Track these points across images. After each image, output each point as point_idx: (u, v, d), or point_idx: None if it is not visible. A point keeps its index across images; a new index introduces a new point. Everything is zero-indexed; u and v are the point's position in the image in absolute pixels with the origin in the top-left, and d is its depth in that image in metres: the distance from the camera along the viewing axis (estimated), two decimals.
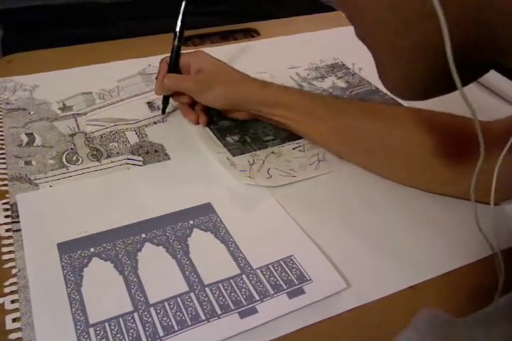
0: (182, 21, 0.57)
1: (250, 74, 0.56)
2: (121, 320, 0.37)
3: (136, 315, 0.37)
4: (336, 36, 0.81)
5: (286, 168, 0.52)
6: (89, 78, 0.66)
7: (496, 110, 0.63)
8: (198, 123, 0.58)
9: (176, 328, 0.36)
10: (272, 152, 0.54)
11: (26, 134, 0.55)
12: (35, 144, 0.54)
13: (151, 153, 0.54)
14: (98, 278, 0.40)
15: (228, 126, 0.58)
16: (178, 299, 0.38)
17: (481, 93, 0.67)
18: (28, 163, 0.51)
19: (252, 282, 0.40)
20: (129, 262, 0.41)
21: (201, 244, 0.43)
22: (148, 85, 0.66)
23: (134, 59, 0.71)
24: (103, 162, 0.52)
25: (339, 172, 0.52)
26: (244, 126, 0.58)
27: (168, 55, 0.57)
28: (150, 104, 0.62)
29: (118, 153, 0.53)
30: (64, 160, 0.52)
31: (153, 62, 0.70)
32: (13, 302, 0.38)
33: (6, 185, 0.48)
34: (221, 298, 0.38)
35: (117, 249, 0.42)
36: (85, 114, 0.59)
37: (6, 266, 0.40)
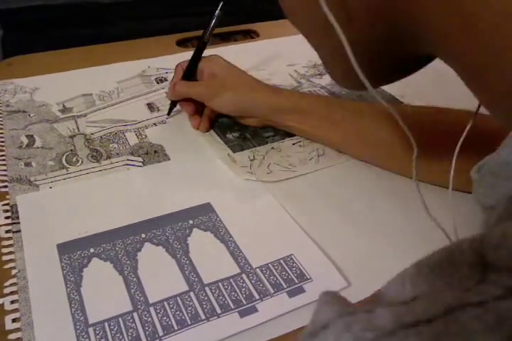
0: (209, 30, 0.56)
1: (248, 71, 0.56)
2: (120, 319, 0.36)
3: (135, 314, 0.37)
4: None
5: (286, 163, 0.52)
6: (89, 80, 0.66)
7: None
8: (198, 128, 0.58)
9: (176, 328, 0.36)
10: (272, 148, 0.55)
11: (26, 136, 0.55)
12: (35, 146, 0.54)
13: (150, 153, 0.54)
14: (98, 278, 0.40)
15: (228, 123, 0.58)
16: (178, 298, 0.38)
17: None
18: (28, 164, 0.51)
19: (252, 281, 0.40)
20: (128, 262, 0.41)
21: (201, 243, 0.43)
22: (147, 87, 0.66)
23: (134, 61, 0.71)
24: (103, 163, 0.52)
25: (339, 168, 0.52)
26: None
27: (183, 60, 0.58)
28: (150, 106, 0.62)
29: (118, 154, 0.53)
30: (64, 161, 0.52)
31: (153, 64, 0.71)
32: (12, 302, 0.38)
33: (6, 186, 0.48)
34: (221, 298, 0.38)
35: (117, 249, 0.42)
36: (85, 115, 0.60)
37: (6, 266, 0.40)
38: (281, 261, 0.41)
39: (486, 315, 0.14)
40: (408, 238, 0.45)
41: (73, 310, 0.37)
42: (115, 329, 0.36)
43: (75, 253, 0.41)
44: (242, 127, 0.58)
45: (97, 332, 0.35)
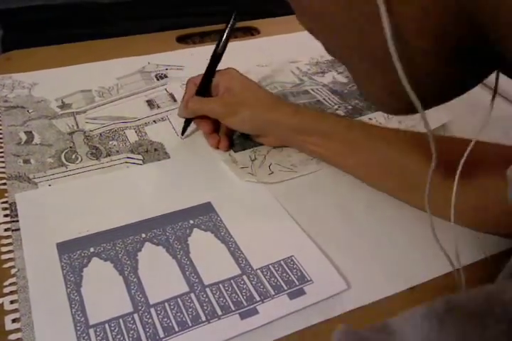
0: (224, 44, 0.53)
1: (251, 68, 0.56)
2: (121, 320, 0.36)
3: (136, 315, 0.37)
4: None
5: (288, 164, 0.52)
6: (88, 76, 0.66)
7: (495, 109, 0.63)
8: (217, 147, 0.54)
9: (177, 329, 0.36)
10: (274, 147, 0.54)
11: (25, 132, 0.55)
12: (33, 142, 0.54)
13: (150, 151, 0.53)
14: (98, 278, 0.40)
15: None
16: (179, 300, 0.38)
17: (481, 92, 0.67)
18: (26, 161, 0.51)
19: (253, 282, 0.40)
20: (128, 262, 0.41)
21: (201, 243, 0.43)
22: (147, 83, 0.66)
23: (134, 57, 0.71)
24: (102, 160, 0.52)
25: (340, 170, 0.52)
26: None
27: (196, 75, 0.55)
28: (149, 103, 0.62)
29: (117, 152, 0.53)
30: (63, 158, 0.52)
31: (153, 60, 0.70)
32: (12, 302, 0.37)
33: (4, 184, 0.48)
34: (221, 299, 0.38)
35: (117, 248, 0.42)
36: (84, 112, 0.59)
37: (5, 265, 0.40)
38: (282, 263, 0.41)
39: None
40: (409, 239, 0.45)
41: (73, 310, 0.37)
42: (116, 331, 0.36)
43: (74, 253, 0.41)
44: None
45: (98, 334, 0.35)
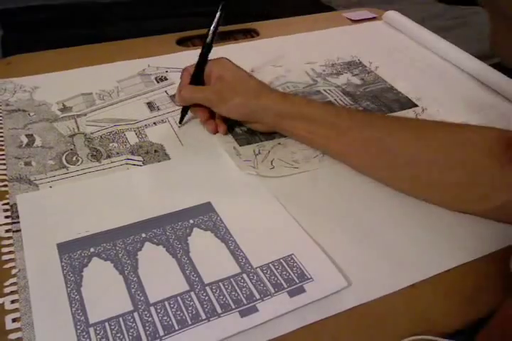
0: (212, 33, 0.55)
1: (265, 67, 0.56)
2: (121, 319, 0.36)
3: (136, 314, 0.37)
4: (354, 34, 0.82)
5: (290, 160, 0.53)
6: (88, 79, 0.66)
7: (495, 107, 0.63)
8: (216, 132, 0.56)
9: (177, 327, 0.36)
10: (279, 143, 0.55)
11: (26, 135, 0.55)
12: (35, 145, 0.54)
13: (150, 153, 0.54)
14: (98, 277, 0.40)
15: None
16: (179, 298, 0.38)
17: (480, 90, 0.67)
18: (27, 163, 0.51)
19: (253, 281, 0.40)
20: (129, 262, 0.41)
21: (201, 243, 0.43)
22: (147, 86, 0.66)
23: (134, 60, 0.71)
24: (103, 162, 0.52)
25: (341, 168, 0.52)
26: None
27: (190, 64, 0.57)
28: (150, 105, 0.62)
29: (118, 154, 0.53)
30: (64, 160, 0.52)
31: (153, 63, 0.70)
32: (13, 302, 0.38)
33: (5, 185, 0.48)
34: (221, 297, 0.38)
35: (117, 248, 0.42)
36: (85, 114, 0.59)
37: (6, 266, 0.40)
38: (282, 261, 0.41)
39: None
40: (409, 237, 0.45)
41: (73, 309, 0.37)
42: (116, 329, 0.36)
43: (75, 253, 0.41)
44: None
45: (98, 332, 0.35)
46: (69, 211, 0.46)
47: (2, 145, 0.54)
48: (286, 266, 0.41)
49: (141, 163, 0.52)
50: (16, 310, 0.37)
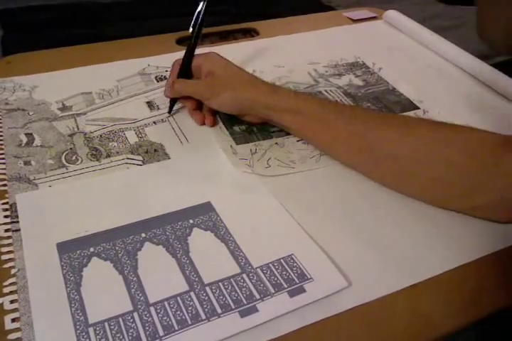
0: (198, 25, 0.56)
1: (267, 68, 0.56)
2: (120, 319, 0.36)
3: (136, 314, 0.37)
4: (355, 34, 0.82)
5: (287, 159, 0.53)
6: (88, 78, 0.66)
7: (496, 108, 0.63)
8: (203, 123, 0.58)
9: (176, 328, 0.36)
10: (276, 143, 0.55)
11: (25, 134, 0.55)
12: (34, 144, 0.54)
13: (150, 152, 0.53)
14: (98, 277, 0.40)
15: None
16: (178, 298, 0.38)
17: (481, 91, 0.67)
18: (27, 163, 0.51)
19: (253, 281, 0.39)
20: (128, 262, 0.41)
21: (201, 243, 0.43)
22: (147, 85, 0.66)
23: (134, 59, 0.71)
24: (102, 161, 0.52)
25: (340, 168, 0.52)
26: None
27: (181, 56, 0.57)
28: (149, 104, 0.62)
29: (117, 153, 0.53)
30: (63, 160, 0.52)
31: (153, 62, 0.70)
32: (12, 302, 0.37)
33: (5, 185, 0.48)
34: (221, 297, 0.38)
35: (117, 248, 0.42)
36: (85, 113, 0.59)
37: (6, 266, 0.40)
38: (282, 261, 0.41)
39: None
40: (410, 236, 0.45)
41: (73, 309, 0.37)
42: (115, 329, 0.36)
43: (74, 253, 0.41)
44: None
45: (97, 332, 0.35)
46: (68, 210, 0.46)
47: (1, 144, 0.54)
48: (286, 266, 0.41)
49: (140, 163, 0.52)
50: (16, 310, 0.37)
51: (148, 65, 0.70)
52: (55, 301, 0.37)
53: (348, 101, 0.64)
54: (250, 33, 0.82)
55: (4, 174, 0.49)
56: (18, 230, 0.43)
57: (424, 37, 0.78)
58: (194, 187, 0.49)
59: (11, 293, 0.38)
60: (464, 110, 0.62)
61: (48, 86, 0.64)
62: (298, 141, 0.55)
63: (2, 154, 0.52)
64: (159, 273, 0.40)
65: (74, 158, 0.52)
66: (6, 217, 0.45)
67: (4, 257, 0.41)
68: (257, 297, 0.38)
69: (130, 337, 0.35)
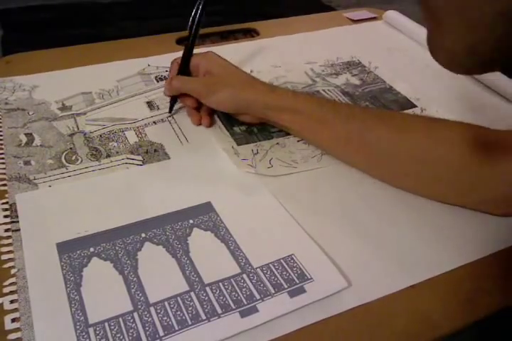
0: (196, 24, 0.57)
1: (264, 67, 0.56)
2: (121, 319, 0.36)
3: (136, 314, 0.37)
4: (353, 34, 0.82)
5: (289, 159, 0.53)
6: (88, 78, 0.66)
7: (494, 108, 0.63)
8: (199, 124, 0.58)
9: (177, 328, 0.36)
10: (277, 143, 0.55)
11: (25, 134, 0.55)
12: (34, 144, 0.54)
13: (150, 152, 0.53)
14: (98, 277, 0.39)
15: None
16: (179, 298, 0.38)
17: (479, 91, 0.67)
18: (27, 162, 0.51)
19: (253, 281, 0.39)
20: (128, 262, 0.41)
21: (201, 243, 0.43)
22: (147, 85, 0.66)
23: (134, 59, 0.71)
24: (102, 161, 0.52)
25: (340, 168, 0.52)
26: None
27: (180, 56, 0.58)
28: (149, 104, 0.62)
29: (117, 153, 0.53)
30: (63, 159, 0.52)
31: (153, 62, 0.70)
32: (12, 302, 0.37)
33: (5, 185, 0.48)
34: (221, 298, 0.38)
35: (117, 248, 0.42)
36: (85, 113, 0.59)
37: (5, 266, 0.40)
38: (282, 261, 0.41)
39: None
40: (409, 238, 0.45)
41: (73, 309, 0.37)
42: (115, 330, 0.36)
43: (74, 253, 0.41)
44: None
45: (97, 332, 0.35)
46: (68, 210, 0.46)
47: (1, 144, 0.54)
48: (286, 266, 0.41)
49: (140, 163, 0.52)
50: (15, 310, 0.37)
51: (148, 65, 0.70)
52: (55, 301, 0.37)
53: (346, 101, 0.64)
54: (250, 33, 0.82)
55: (4, 174, 0.49)
56: (17, 230, 0.43)
57: (424, 37, 0.78)
58: (194, 187, 0.49)
59: (11, 293, 0.38)
60: (461, 109, 0.62)
61: (47, 86, 0.64)
62: (299, 141, 0.55)
63: (2, 154, 0.52)
64: (159, 273, 0.40)
65: (74, 157, 0.52)
66: (5, 216, 0.44)
67: (4, 257, 0.41)
68: (257, 297, 0.38)
69: (130, 337, 0.35)
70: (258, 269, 0.41)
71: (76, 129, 0.56)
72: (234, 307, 0.37)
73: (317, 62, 0.72)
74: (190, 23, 0.57)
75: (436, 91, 0.66)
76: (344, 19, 0.87)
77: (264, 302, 0.38)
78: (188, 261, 0.41)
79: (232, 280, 0.40)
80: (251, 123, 0.57)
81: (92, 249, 0.42)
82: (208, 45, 0.77)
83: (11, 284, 0.39)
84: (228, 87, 0.53)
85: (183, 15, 0.59)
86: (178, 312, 0.37)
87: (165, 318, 0.37)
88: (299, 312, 0.38)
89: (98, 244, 0.42)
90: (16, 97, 0.62)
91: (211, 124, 0.58)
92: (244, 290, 0.39)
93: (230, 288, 0.39)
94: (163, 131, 0.57)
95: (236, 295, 0.38)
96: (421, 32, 0.79)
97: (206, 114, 0.58)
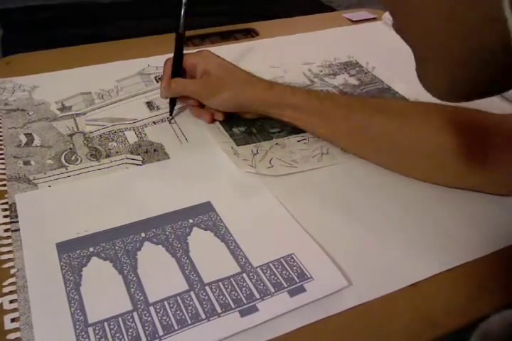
0: (181, 24, 0.56)
1: (262, 68, 0.56)
2: (120, 319, 0.36)
3: (135, 314, 0.37)
4: (352, 34, 0.82)
5: (289, 159, 0.53)
6: (88, 78, 0.66)
7: (494, 108, 0.63)
8: (212, 121, 0.57)
9: (176, 327, 0.36)
10: (277, 143, 0.55)
11: (25, 134, 0.55)
12: (34, 144, 0.54)
13: (150, 152, 0.53)
14: (97, 277, 0.39)
15: (236, 117, 0.58)
16: (178, 298, 0.38)
17: None
18: (26, 163, 0.51)
19: (253, 280, 0.39)
20: (128, 261, 0.41)
21: (201, 242, 0.43)
22: (147, 85, 0.66)
23: (133, 59, 0.71)
24: (102, 161, 0.52)
25: (341, 168, 0.52)
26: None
27: (172, 55, 0.57)
28: (149, 104, 0.62)
29: (117, 153, 0.53)
30: (63, 160, 0.52)
31: (152, 63, 0.70)
32: (11, 302, 0.37)
33: (4, 185, 0.48)
34: (221, 297, 0.38)
35: (116, 248, 0.42)
36: (84, 114, 0.59)
37: (5, 265, 0.40)
38: (282, 260, 0.41)
39: None
40: (409, 237, 0.45)
41: (73, 309, 0.37)
42: (115, 329, 0.35)
43: (74, 253, 0.41)
44: (249, 121, 0.58)
45: (97, 332, 0.35)
46: (68, 210, 0.46)
47: (1, 144, 0.54)
48: (286, 266, 0.41)
49: (140, 163, 0.52)
50: (15, 309, 0.37)
51: (148, 65, 0.70)
52: (54, 301, 0.37)
53: None
54: (250, 34, 0.82)
55: (4, 174, 0.49)
56: (17, 230, 0.43)
57: None
58: (194, 187, 0.49)
59: (11, 292, 0.38)
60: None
61: (47, 86, 0.64)
62: (299, 141, 0.55)
63: (2, 154, 0.52)
64: (159, 272, 0.40)
65: (73, 158, 0.52)
66: (5, 216, 0.44)
67: (4, 257, 0.41)
68: (257, 296, 0.38)
69: (130, 337, 0.35)
70: (258, 268, 0.40)
71: (76, 129, 0.56)
72: (234, 306, 0.37)
73: (315, 63, 0.72)
74: (181, 19, 0.56)
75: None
76: (344, 20, 0.87)
77: (264, 302, 0.38)
78: (187, 261, 0.41)
79: (231, 279, 0.40)
80: (251, 119, 0.58)
81: (91, 249, 0.42)
82: (208, 45, 0.77)
83: (10, 284, 0.39)
84: (228, 87, 0.53)
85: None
86: (178, 312, 0.37)
87: (164, 318, 0.36)
88: (299, 312, 0.38)
89: (98, 243, 0.42)
90: (16, 98, 0.62)
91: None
92: (244, 289, 0.39)
93: (229, 287, 0.39)
94: (163, 131, 0.57)
95: (236, 294, 0.38)
96: None
97: (208, 111, 0.58)
